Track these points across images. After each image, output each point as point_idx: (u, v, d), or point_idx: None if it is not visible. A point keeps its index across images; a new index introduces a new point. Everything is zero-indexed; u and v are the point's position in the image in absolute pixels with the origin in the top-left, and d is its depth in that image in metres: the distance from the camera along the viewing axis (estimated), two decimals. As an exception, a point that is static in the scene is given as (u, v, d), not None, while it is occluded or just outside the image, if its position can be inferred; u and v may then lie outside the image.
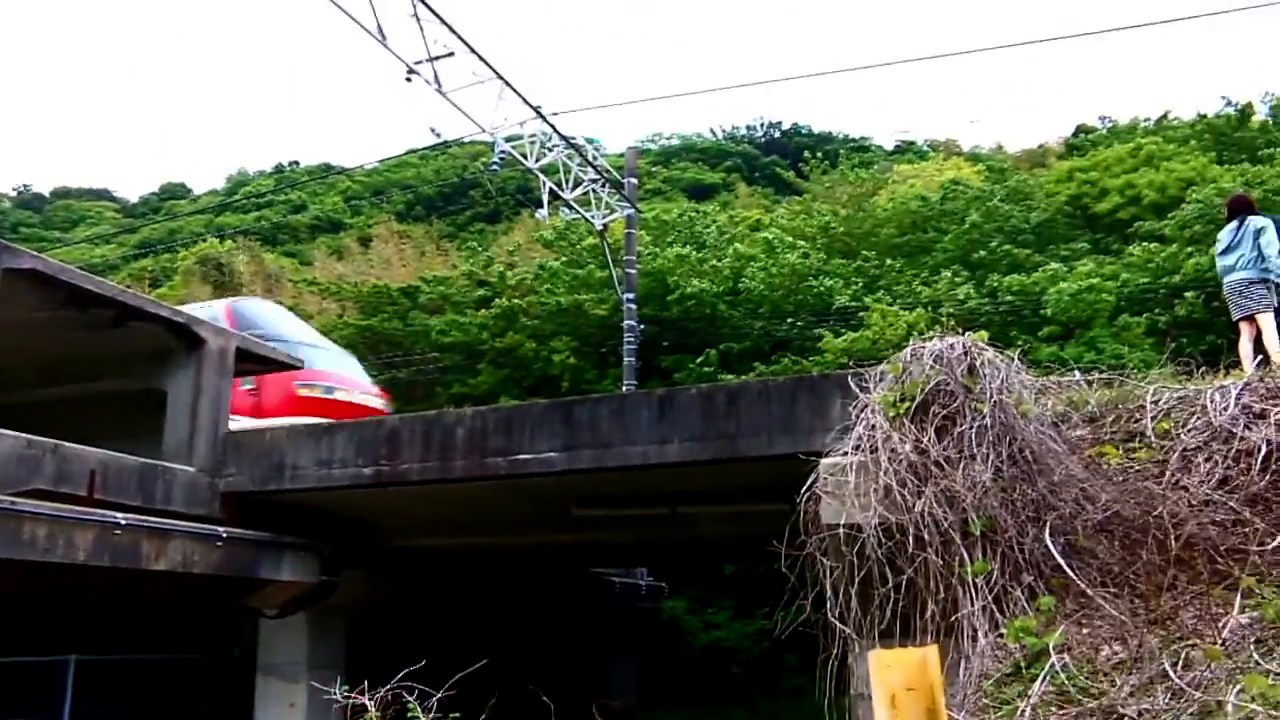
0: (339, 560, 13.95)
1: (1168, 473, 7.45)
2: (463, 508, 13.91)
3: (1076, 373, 9.57)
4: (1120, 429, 8.24)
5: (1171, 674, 5.64)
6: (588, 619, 20.68)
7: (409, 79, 19.29)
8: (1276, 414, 7.68)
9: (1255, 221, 10.91)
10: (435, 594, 17.08)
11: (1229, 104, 31.49)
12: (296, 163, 74.43)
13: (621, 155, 30.27)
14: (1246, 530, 6.74)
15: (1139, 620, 6.32)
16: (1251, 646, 5.65)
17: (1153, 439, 7.96)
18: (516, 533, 15.40)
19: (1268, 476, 7.22)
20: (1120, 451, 7.88)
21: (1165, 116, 37.12)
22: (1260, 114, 30.22)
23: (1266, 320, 10.52)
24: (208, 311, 16.60)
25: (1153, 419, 8.14)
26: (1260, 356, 10.21)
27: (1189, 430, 7.84)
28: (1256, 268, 10.71)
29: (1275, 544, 6.53)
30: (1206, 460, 7.52)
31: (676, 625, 23.44)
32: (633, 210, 25.39)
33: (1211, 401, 7.98)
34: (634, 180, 26.31)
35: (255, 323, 16.67)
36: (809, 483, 7.63)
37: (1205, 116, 32.61)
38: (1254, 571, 6.36)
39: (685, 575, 23.62)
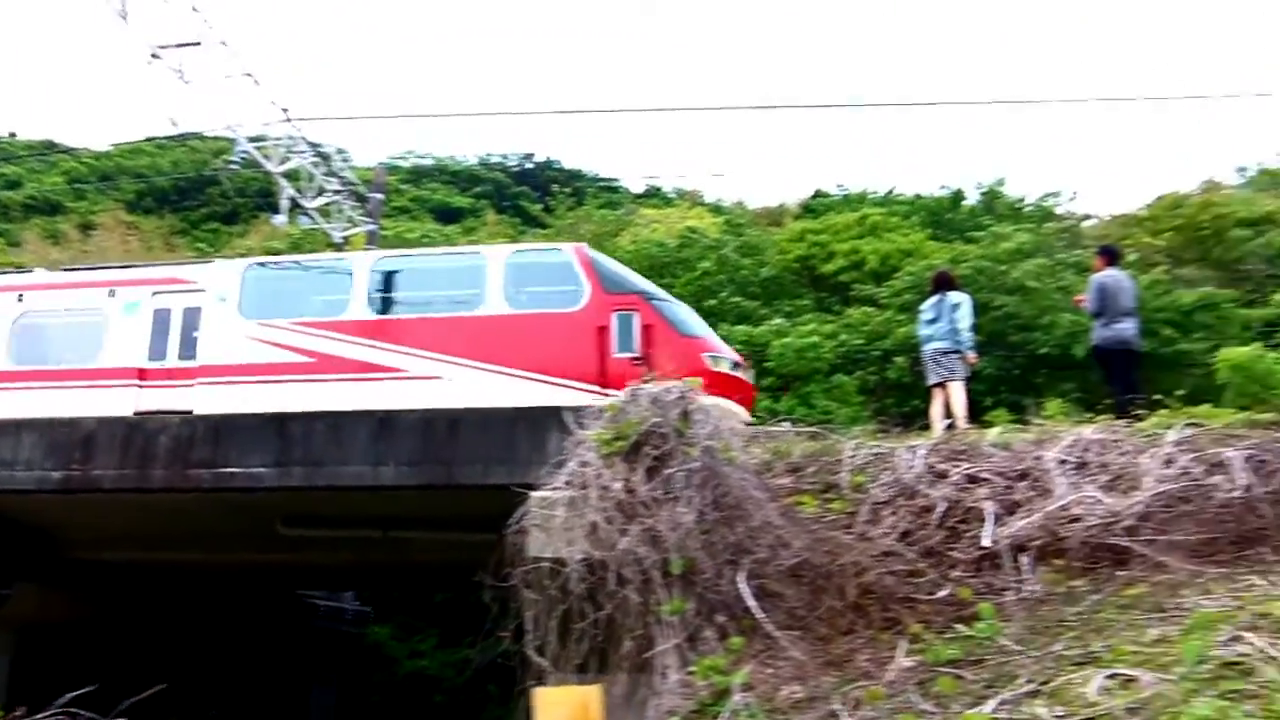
0: (10, 571, 12.89)
1: (856, 524, 7.91)
2: (161, 520, 13.16)
3: (787, 424, 10.04)
4: (820, 480, 8.69)
5: (842, 713, 5.98)
6: (288, 643, 19.91)
7: (151, 62, 18.34)
8: (956, 474, 8.30)
9: (953, 297, 11.81)
10: (124, 611, 16.03)
11: (944, 188, 34.06)
12: (14, 135, 68.87)
13: (371, 169, 29.64)
14: (919, 580, 7.23)
15: (818, 661, 6.66)
16: (912, 688, 6.06)
17: (847, 491, 8.43)
18: (219, 549, 14.71)
19: (943, 531, 7.78)
20: (818, 501, 8.31)
21: (891, 192, 39.63)
22: (971, 200, 32.78)
23: (956, 388, 11.37)
24: (556, 255, 14.51)
25: (849, 472, 8.64)
26: (949, 421, 11.02)
27: (880, 485, 8.36)
28: (952, 339, 11.58)
29: (942, 594, 7.03)
30: (892, 514, 8.04)
31: (381, 652, 22.93)
32: (375, 226, 24.87)
33: (901, 459, 8.55)
34: (380, 196, 25.77)
35: (611, 271, 14.26)
36: (518, 514, 7.65)
37: (921, 196, 35.16)
38: (921, 618, 6.83)
39: (394, 601, 23.15)
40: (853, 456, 8.80)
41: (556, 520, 7.52)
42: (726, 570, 7.23)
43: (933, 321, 11.84)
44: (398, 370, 13.39)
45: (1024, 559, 7.40)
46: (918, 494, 8.11)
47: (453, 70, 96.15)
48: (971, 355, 11.75)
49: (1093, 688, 5.62)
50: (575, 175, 60.91)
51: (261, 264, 16.19)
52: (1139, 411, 9.59)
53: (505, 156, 66.47)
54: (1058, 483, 7.98)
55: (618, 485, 7.48)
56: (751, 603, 7.04)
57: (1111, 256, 12.05)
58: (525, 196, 56.41)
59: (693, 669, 6.76)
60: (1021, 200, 31.61)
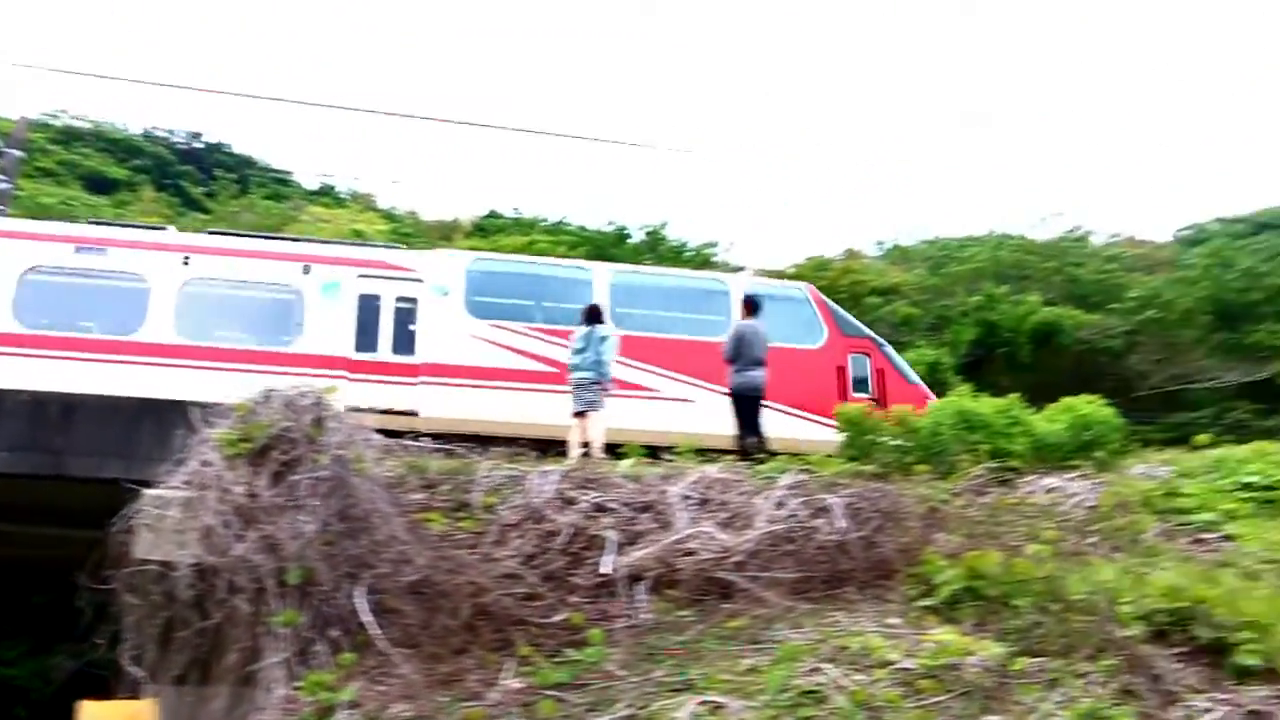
0: None
1: (483, 544, 7.97)
2: None
3: (427, 440, 9.98)
4: (453, 498, 8.70)
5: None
6: None
7: None
8: (585, 502, 8.55)
9: (601, 330, 12.18)
10: None
11: (611, 224, 35.47)
12: None
13: (14, 121, 27.15)
14: (537, 604, 7.38)
15: (429, 680, 6.65)
16: (516, 709, 6.18)
17: (479, 511, 8.49)
18: None
19: (567, 557, 7.99)
20: (448, 520, 8.31)
21: (562, 221, 40.56)
22: (636, 238, 34.29)
23: (595, 418, 11.73)
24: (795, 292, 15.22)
25: (482, 492, 8.70)
26: (585, 449, 11.35)
27: (510, 507, 8.47)
28: (596, 370, 11.93)
29: (557, 618, 7.21)
30: (519, 536, 8.16)
31: (-40, 659, 20.70)
32: (10, 185, 22.69)
33: (534, 484, 8.71)
34: (20, 153, 23.63)
35: (843, 315, 15.03)
36: (127, 513, 7.20)
37: (587, 229, 36.39)
38: (534, 641, 6.98)
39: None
40: (488, 477, 8.87)
41: (169, 521, 7.12)
42: (345, 584, 7.10)
43: (580, 352, 12.15)
44: (650, 390, 13.80)
45: (639, 588, 7.72)
46: (546, 518, 8.28)
47: (141, 37, 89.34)
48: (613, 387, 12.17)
49: (685, 713, 5.95)
50: (246, 162, 58.10)
51: (486, 258, 16.06)
52: (762, 454, 10.27)
53: (172, 132, 62.49)
54: (679, 517, 8.39)
55: (239, 489, 7.18)
56: (368, 618, 6.94)
57: (752, 306, 12.82)
58: (189, 177, 53.25)
59: (299, 684, 6.57)
60: (683, 244, 33.16)
